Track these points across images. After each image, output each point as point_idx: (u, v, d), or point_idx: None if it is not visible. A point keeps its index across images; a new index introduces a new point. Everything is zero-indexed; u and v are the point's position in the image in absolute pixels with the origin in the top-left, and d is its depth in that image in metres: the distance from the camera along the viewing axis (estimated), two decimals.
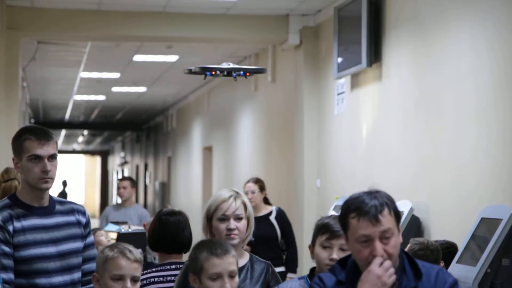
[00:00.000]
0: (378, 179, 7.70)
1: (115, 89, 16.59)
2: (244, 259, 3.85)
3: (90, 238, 4.03)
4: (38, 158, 3.81)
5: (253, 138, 12.47)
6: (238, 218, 3.80)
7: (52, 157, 3.84)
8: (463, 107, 6.16)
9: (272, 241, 7.70)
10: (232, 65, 6.58)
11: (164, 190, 21.70)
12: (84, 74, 14.45)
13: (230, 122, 14.06)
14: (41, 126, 3.94)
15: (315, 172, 9.46)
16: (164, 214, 4.62)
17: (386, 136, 7.61)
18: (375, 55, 7.71)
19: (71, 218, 3.95)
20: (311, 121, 9.49)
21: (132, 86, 16.31)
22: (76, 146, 38.61)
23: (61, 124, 24.68)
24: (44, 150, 3.81)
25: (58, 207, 3.94)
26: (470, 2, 6.11)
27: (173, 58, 12.66)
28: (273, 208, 7.86)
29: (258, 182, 7.99)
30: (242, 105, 13.22)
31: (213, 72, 6.46)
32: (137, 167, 28.47)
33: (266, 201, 7.91)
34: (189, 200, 17.64)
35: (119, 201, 9.98)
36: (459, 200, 6.17)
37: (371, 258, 2.85)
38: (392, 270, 2.85)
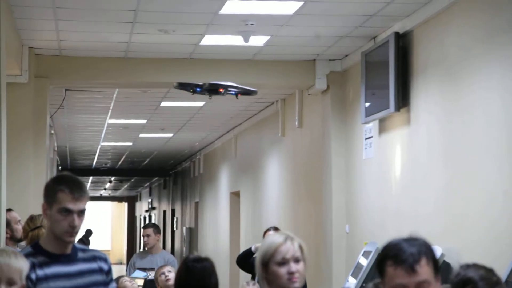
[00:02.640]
0: (407, 223, 7.61)
1: (142, 135, 16.67)
2: None
3: (112, 285, 4.02)
4: (68, 211, 3.79)
5: (281, 183, 12.42)
6: (297, 261, 3.65)
7: (82, 212, 3.83)
8: (493, 153, 6.09)
9: None
10: (230, 84, 6.56)
11: (192, 235, 21.67)
12: (111, 121, 14.54)
13: (257, 167, 14.04)
14: (77, 178, 3.91)
15: (344, 217, 9.39)
16: (191, 260, 4.60)
17: (415, 181, 7.54)
18: (403, 100, 7.68)
19: (93, 265, 3.94)
20: (339, 166, 9.45)
21: (159, 132, 16.38)
22: (103, 192, 38.78)
23: (88, 170, 24.83)
24: (76, 206, 3.79)
25: (80, 255, 3.93)
26: (498, 46, 6.07)
27: (199, 103, 12.71)
28: None
29: (278, 230, 8.16)
30: (269, 150, 13.20)
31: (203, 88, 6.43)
32: (164, 212, 28.49)
33: None
34: (217, 245, 17.58)
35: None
36: (491, 247, 6.07)
37: None
38: None
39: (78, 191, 3.80)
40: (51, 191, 3.83)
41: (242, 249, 15.01)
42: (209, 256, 4.73)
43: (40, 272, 3.78)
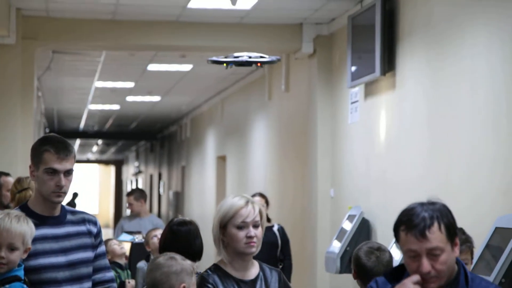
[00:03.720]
0: (392, 188, 7.68)
1: (130, 98, 16.64)
2: (256, 268, 3.72)
3: (101, 248, 4.01)
4: (54, 171, 3.79)
5: (267, 147, 12.46)
6: (256, 226, 3.61)
7: (69, 172, 3.82)
8: (478, 115, 6.13)
9: (274, 249, 8.29)
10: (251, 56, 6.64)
11: (178, 199, 21.72)
12: (99, 84, 14.50)
13: (244, 131, 14.07)
14: (63, 138, 3.89)
15: (329, 181, 9.44)
16: (175, 224, 4.63)
17: (400, 145, 7.59)
18: (389, 64, 7.70)
19: (82, 228, 3.94)
20: (325, 130, 9.48)
21: (147, 95, 16.35)
22: (91, 156, 38.72)
23: (75, 133, 24.78)
24: (62, 165, 3.79)
25: (69, 217, 3.93)
26: (485, 9, 6.09)
27: (187, 67, 12.69)
28: (274, 223, 8.46)
29: (264, 196, 8.34)
30: (256, 114, 13.23)
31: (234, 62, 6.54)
32: (151, 176, 28.51)
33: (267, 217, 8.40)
34: (203, 209, 17.65)
35: None
36: (473, 209, 6.14)
37: (419, 272, 2.77)
38: None
39: (64, 151, 3.80)
40: (37, 151, 3.83)
41: None
42: (193, 219, 4.78)
43: None
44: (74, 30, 9.37)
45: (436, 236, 2.74)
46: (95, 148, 33.45)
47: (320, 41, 9.55)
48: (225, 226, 3.61)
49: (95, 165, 42.72)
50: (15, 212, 3.74)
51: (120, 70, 13.14)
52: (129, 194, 9.98)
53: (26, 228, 3.63)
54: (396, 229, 2.82)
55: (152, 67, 12.60)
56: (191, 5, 8.66)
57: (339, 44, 9.22)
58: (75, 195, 28.84)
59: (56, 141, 3.84)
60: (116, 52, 11.30)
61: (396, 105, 7.71)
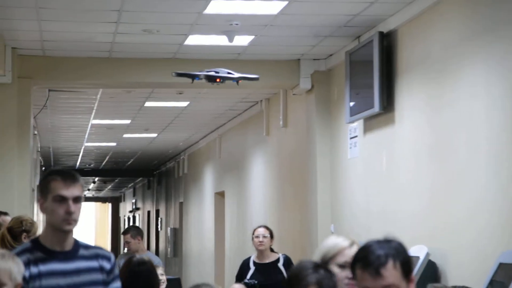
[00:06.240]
0: (392, 223, 7.62)
1: (126, 135, 16.60)
2: None
3: (115, 285, 3.95)
4: (63, 199, 3.76)
5: (266, 183, 12.40)
6: None
7: (77, 199, 3.80)
8: (476, 151, 6.09)
9: (280, 287, 7.87)
10: (223, 71, 6.63)
11: (176, 236, 21.60)
12: (95, 121, 14.47)
13: (242, 167, 14.02)
14: (68, 169, 3.92)
15: (329, 216, 9.38)
16: (136, 265, 4.87)
17: (399, 180, 7.54)
18: (388, 99, 7.68)
19: (94, 264, 3.89)
20: (324, 165, 9.44)
21: (143, 132, 16.32)
22: (87, 193, 38.61)
23: None
24: (69, 192, 3.77)
25: (82, 252, 3.89)
26: (482, 44, 6.08)
27: (183, 104, 12.67)
28: (279, 255, 8.13)
29: (268, 228, 8.23)
30: (254, 150, 13.18)
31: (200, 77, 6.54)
32: (149, 213, 28.39)
33: (271, 249, 8.17)
34: (202, 245, 17.53)
35: None
36: (476, 244, 6.08)
37: None
38: None
39: (70, 178, 3.80)
40: (44, 182, 3.84)
41: (227, 249, 14.98)
42: (150, 258, 5.05)
43: (34, 269, 3.73)
44: (70, 69, 9.36)
45: (391, 273, 2.76)
46: (91, 186, 33.35)
47: (318, 77, 9.54)
48: (326, 264, 3.53)
49: (92, 202, 42.60)
50: (1, 251, 3.70)
51: (116, 108, 13.11)
52: (125, 232, 9.88)
53: (12, 265, 3.57)
54: (353, 266, 2.85)
55: (149, 104, 12.57)
56: (188, 42, 8.65)
57: (337, 79, 9.20)
58: None
59: (62, 170, 3.88)
60: (113, 90, 11.27)
61: (395, 140, 7.67)
